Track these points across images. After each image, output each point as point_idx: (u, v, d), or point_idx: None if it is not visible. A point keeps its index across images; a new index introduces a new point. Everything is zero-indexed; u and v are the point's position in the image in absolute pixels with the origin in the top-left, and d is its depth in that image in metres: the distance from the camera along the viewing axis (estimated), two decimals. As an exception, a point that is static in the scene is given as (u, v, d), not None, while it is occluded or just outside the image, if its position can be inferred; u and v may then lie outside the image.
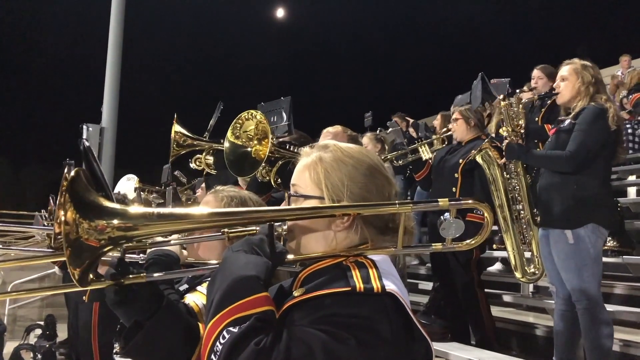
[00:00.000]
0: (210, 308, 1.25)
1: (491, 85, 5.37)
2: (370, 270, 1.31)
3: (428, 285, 6.10)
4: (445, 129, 5.34)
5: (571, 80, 3.78)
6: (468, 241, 1.47)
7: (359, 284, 1.26)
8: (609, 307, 4.09)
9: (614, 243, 5.01)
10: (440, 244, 1.47)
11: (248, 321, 1.19)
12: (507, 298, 5.79)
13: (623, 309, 4.66)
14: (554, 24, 14.88)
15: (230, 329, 1.19)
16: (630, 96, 5.59)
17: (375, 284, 1.26)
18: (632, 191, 7.31)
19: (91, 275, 1.35)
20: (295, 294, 1.33)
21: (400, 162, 5.29)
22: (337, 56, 17.63)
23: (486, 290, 5.09)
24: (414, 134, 8.61)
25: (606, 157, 3.71)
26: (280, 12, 19.03)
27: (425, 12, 16.41)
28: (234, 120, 3.53)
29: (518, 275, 4.43)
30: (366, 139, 5.57)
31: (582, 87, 3.73)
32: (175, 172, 7.61)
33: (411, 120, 6.67)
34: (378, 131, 7.62)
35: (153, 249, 2.04)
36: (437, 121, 7.66)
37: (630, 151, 7.68)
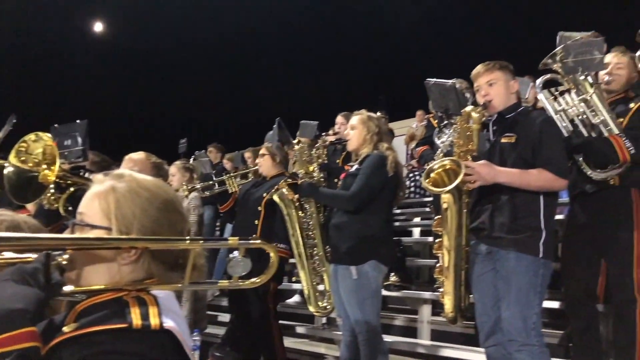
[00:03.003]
0: None
1: (301, 125, 5.77)
2: (150, 307, 1.29)
3: (227, 317, 6.11)
4: (253, 163, 5.50)
5: (358, 129, 4.15)
6: (253, 279, 1.51)
7: (137, 321, 1.24)
8: (388, 338, 4.50)
9: (396, 278, 5.56)
10: (227, 281, 1.51)
11: (8, 358, 1.11)
12: (301, 330, 6.04)
13: (399, 339, 5.16)
14: (359, 76, 16.14)
15: None
16: (417, 148, 6.32)
17: (154, 321, 1.26)
18: (416, 231, 8.14)
19: None
20: (66, 329, 1.27)
21: (207, 193, 5.32)
22: (154, 76, 17.00)
23: (283, 321, 5.25)
24: (227, 166, 8.72)
25: (387, 199, 4.09)
26: (98, 27, 17.92)
27: (243, 41, 16.60)
28: (18, 143, 3.24)
29: (312, 308, 4.71)
30: (174, 167, 5.44)
31: (367, 135, 4.12)
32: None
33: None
34: (192, 159, 7.53)
35: None
36: (247, 153, 7.88)
37: (417, 196, 8.55)
